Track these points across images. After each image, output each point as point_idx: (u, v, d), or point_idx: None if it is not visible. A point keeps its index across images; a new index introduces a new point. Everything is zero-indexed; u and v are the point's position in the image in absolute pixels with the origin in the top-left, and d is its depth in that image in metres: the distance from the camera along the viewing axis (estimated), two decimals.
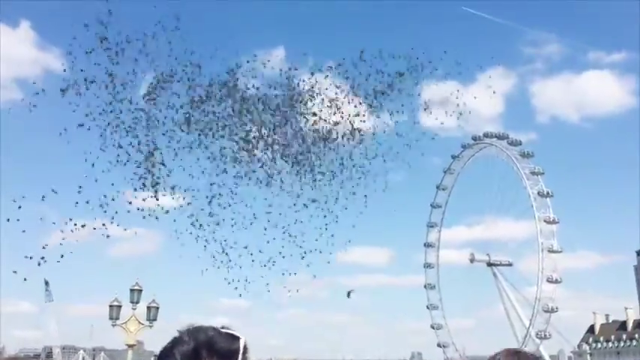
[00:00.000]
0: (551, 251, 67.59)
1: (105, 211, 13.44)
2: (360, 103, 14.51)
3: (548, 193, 69.03)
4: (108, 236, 14.04)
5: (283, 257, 14.40)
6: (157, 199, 13.90)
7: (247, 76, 14.10)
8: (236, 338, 1.73)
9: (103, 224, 13.56)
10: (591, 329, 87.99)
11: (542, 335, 67.72)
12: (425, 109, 15.52)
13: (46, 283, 71.72)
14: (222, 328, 1.77)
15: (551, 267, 67.59)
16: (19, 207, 12.87)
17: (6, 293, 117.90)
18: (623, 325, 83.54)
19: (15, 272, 14.24)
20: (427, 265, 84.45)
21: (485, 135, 76.91)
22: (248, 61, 14.48)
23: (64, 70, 13.75)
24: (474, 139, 78.62)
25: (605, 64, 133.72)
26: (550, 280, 66.94)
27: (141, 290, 24.22)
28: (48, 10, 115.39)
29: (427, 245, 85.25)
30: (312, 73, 14.59)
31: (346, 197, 14.70)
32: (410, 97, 14.93)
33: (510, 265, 77.18)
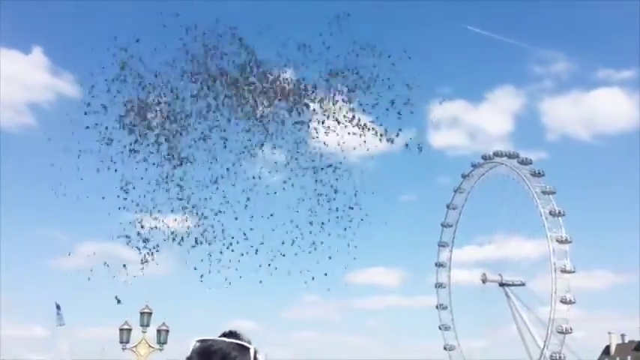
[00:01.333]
0: (564, 271, 66.83)
1: (129, 237, 13.51)
2: (365, 126, 14.43)
3: (560, 212, 68.50)
4: (124, 265, 13.97)
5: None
6: (168, 226, 13.88)
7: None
8: (246, 349, 1.76)
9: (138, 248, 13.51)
10: (607, 350, 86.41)
11: (557, 357, 66.65)
12: (434, 128, 15.48)
13: (58, 306, 72.02)
14: (233, 334, 1.79)
15: (565, 287, 66.78)
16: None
17: (19, 318, 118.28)
18: (639, 345, 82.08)
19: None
20: (439, 285, 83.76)
21: (496, 154, 76.76)
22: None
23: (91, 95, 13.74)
24: (484, 158, 78.50)
25: (614, 81, 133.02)
26: (564, 301, 66.11)
27: (151, 313, 24.16)
28: (60, 35, 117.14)
29: (438, 265, 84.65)
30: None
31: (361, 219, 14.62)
32: (419, 116, 14.84)
33: (523, 285, 76.37)
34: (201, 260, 13.81)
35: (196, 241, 13.80)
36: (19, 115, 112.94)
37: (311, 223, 14.05)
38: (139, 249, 13.58)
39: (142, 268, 13.71)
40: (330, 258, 14.53)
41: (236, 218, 14.07)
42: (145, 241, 13.69)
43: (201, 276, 13.90)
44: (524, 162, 72.90)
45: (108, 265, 13.82)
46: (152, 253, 13.71)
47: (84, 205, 13.78)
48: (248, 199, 14.02)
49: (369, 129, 14.15)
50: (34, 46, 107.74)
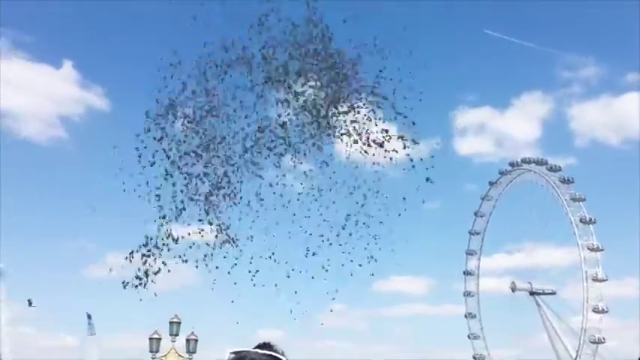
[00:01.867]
0: (595, 280, 65.43)
1: (153, 247, 13.69)
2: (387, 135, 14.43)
3: (590, 219, 67.17)
4: (156, 272, 14.08)
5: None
6: (202, 235, 14.05)
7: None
8: None
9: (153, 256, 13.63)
10: None
11: None
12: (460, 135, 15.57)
13: (89, 316, 72.90)
14: (267, 345, 1.83)
15: (597, 296, 65.36)
16: None
17: (53, 328, 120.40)
18: None
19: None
20: (467, 294, 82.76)
21: (524, 161, 75.73)
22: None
23: None
24: (512, 164, 77.54)
25: None
26: (596, 310, 64.67)
27: (180, 323, 24.46)
28: (89, 49, 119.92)
29: (466, 273, 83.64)
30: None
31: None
32: (444, 123, 14.87)
33: (554, 293, 75.02)
34: (230, 269, 13.95)
35: (220, 247, 13.93)
36: (51, 128, 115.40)
37: (338, 235, 14.14)
38: (152, 257, 13.67)
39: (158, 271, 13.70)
40: (360, 266, 14.56)
41: (266, 233, 14.24)
42: (168, 250, 13.86)
43: (214, 281, 14.06)
44: (553, 169, 71.77)
45: (138, 280, 13.93)
46: (183, 260, 13.89)
47: (114, 214, 14.13)
48: (275, 208, 14.15)
49: (390, 137, 14.18)
50: (64, 60, 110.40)
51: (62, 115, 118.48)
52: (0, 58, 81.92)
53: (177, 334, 24.52)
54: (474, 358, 79.94)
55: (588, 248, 66.27)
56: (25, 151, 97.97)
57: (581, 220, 67.32)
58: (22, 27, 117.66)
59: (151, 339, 23.89)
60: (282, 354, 1.89)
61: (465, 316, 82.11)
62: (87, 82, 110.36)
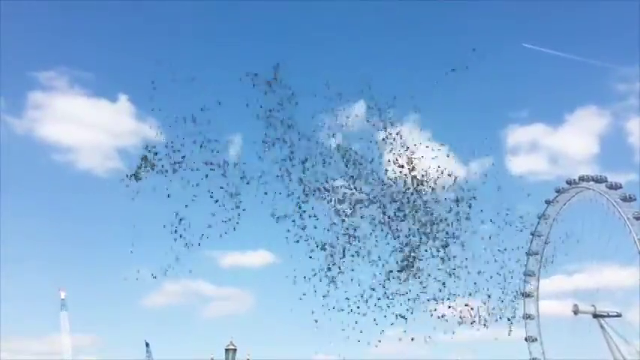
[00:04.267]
0: None
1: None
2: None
3: None
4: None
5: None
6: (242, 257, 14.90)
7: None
8: None
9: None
10: None
11: None
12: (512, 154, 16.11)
13: (147, 344, 74.73)
14: None
15: None
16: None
17: (114, 356, 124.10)
18: None
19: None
20: (527, 317, 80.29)
21: (581, 178, 73.47)
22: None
23: None
24: (569, 182, 75.30)
25: None
26: None
27: (235, 349, 24.88)
28: (143, 84, 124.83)
29: (525, 295, 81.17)
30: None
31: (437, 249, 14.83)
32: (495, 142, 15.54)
33: (619, 316, 71.94)
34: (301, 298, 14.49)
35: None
36: (109, 160, 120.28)
37: (402, 269, 14.49)
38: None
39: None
40: (425, 288, 14.87)
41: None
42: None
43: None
44: (614, 186, 69.27)
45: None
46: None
47: (166, 243, 14.90)
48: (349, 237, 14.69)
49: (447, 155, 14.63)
50: (120, 94, 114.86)
51: (119, 147, 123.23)
52: (59, 95, 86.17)
53: None
54: None
55: None
56: (84, 183, 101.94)
57: None
58: (80, 64, 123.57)
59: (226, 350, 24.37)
60: None
61: (526, 340, 79.63)
62: (142, 113, 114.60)
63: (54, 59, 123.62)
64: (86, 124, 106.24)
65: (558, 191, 76.61)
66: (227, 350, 25.12)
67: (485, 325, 15.94)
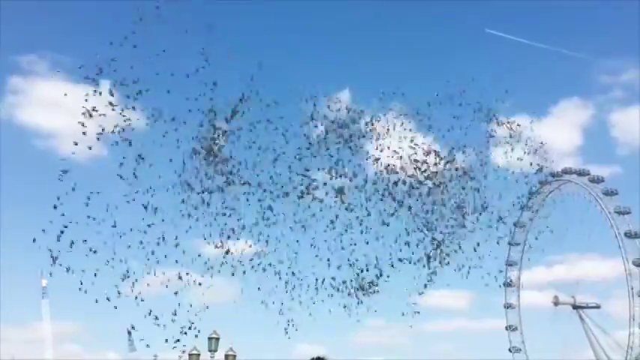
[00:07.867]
0: None
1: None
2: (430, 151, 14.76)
3: (636, 233, 65.05)
4: (200, 283, 15.31)
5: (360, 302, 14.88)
6: (228, 252, 14.65)
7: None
8: None
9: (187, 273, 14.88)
10: None
11: None
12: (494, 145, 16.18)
13: (129, 332, 74.07)
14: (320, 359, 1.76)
15: None
16: None
17: (98, 345, 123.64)
18: None
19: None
20: (508, 306, 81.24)
21: (564, 171, 73.52)
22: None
23: None
24: (552, 175, 75.29)
25: None
26: None
27: (218, 338, 24.67)
28: (127, 70, 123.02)
29: (506, 285, 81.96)
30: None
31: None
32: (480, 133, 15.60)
33: (598, 307, 73.09)
34: (276, 287, 14.38)
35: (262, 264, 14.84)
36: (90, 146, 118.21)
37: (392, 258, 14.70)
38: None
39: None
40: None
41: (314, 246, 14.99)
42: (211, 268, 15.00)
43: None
44: (596, 180, 69.69)
45: (176, 294, 15.40)
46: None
47: (155, 233, 14.66)
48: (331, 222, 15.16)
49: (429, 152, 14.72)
50: (101, 79, 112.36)
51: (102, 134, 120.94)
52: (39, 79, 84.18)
53: (215, 350, 24.90)
54: None
55: (634, 264, 64.24)
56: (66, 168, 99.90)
57: (626, 234, 65.29)
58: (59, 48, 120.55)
59: (190, 355, 24.27)
60: None
61: (506, 329, 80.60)
62: (127, 101, 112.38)
63: (36, 43, 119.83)
64: (67, 110, 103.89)
65: (542, 183, 76.50)
66: (210, 339, 24.86)
67: None
